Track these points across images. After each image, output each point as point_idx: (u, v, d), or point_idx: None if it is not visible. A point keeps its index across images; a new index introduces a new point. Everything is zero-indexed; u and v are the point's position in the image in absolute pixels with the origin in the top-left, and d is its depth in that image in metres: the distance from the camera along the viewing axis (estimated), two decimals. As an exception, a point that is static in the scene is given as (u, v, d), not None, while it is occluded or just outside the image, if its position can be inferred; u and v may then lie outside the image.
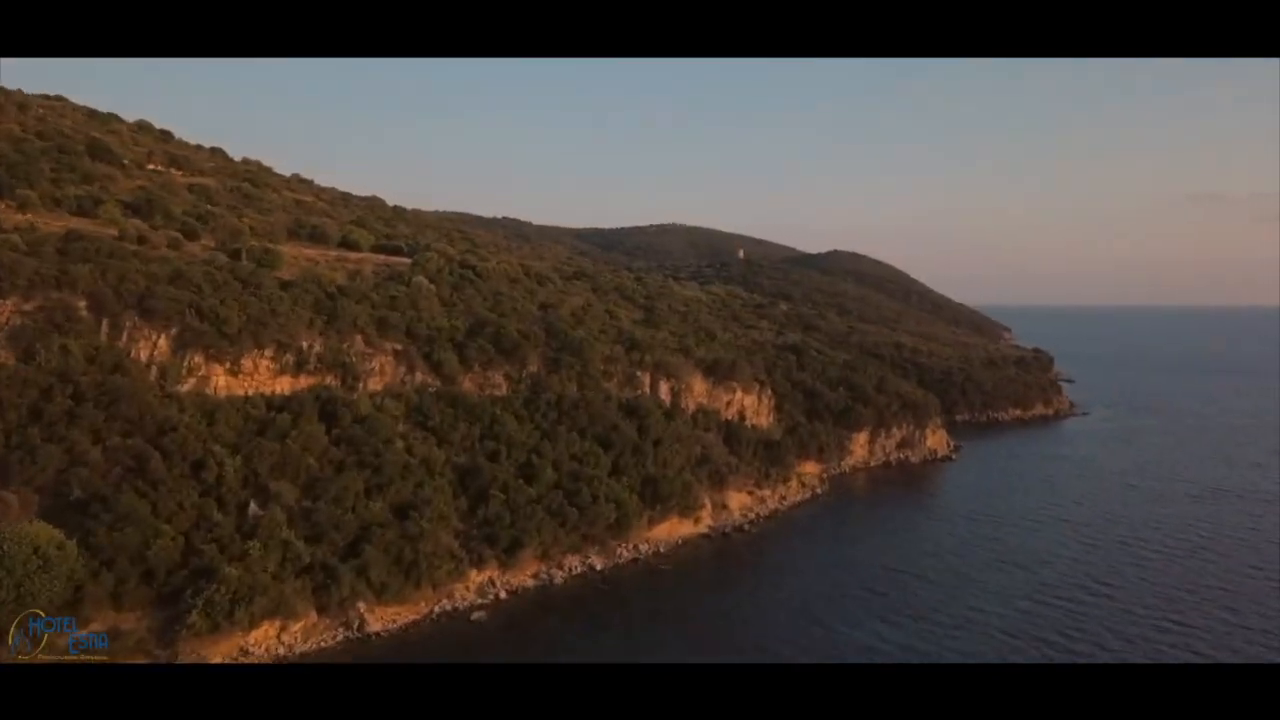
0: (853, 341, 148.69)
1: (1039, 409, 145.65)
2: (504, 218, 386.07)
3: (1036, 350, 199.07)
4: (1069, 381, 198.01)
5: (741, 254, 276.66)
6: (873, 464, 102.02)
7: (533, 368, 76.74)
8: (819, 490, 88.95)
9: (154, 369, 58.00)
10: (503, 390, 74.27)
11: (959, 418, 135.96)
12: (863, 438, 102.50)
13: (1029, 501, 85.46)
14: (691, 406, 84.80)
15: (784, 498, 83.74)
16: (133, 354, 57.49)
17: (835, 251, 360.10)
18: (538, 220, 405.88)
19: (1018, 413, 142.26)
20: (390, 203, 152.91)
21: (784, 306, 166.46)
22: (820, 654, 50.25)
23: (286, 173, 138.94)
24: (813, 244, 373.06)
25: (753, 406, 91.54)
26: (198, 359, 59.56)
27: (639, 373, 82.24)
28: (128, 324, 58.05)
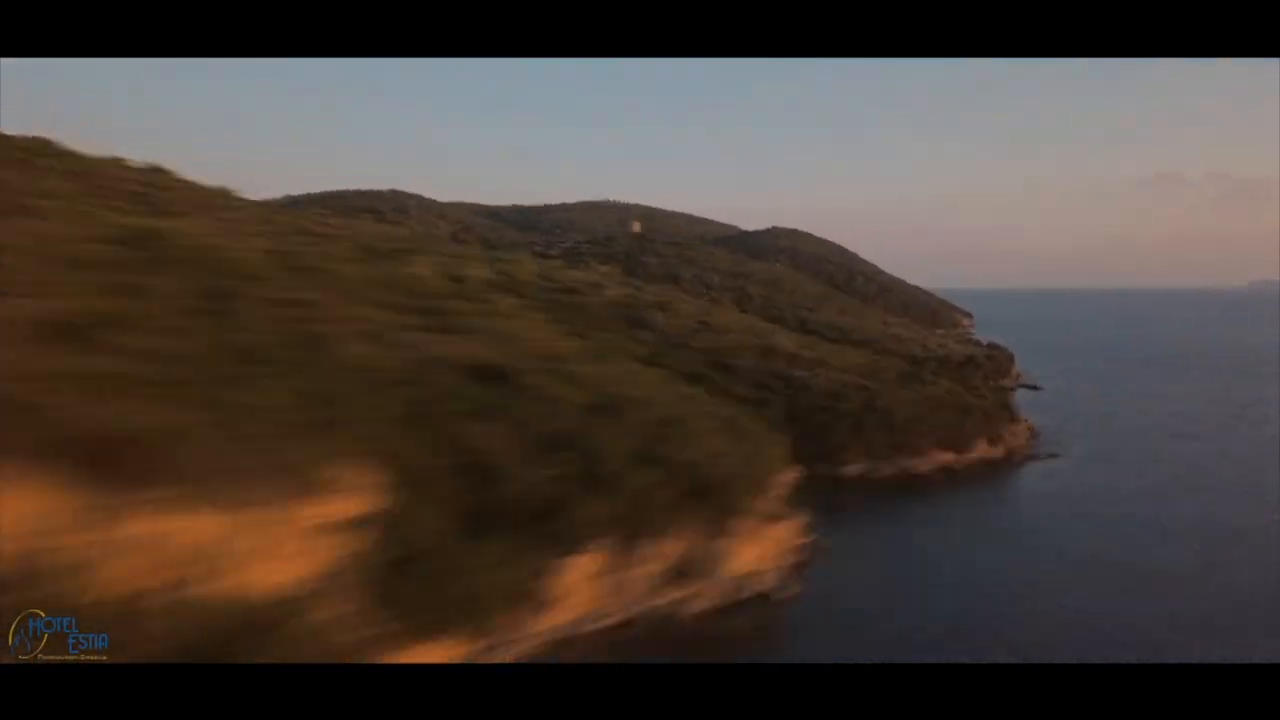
0: (697, 345, 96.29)
1: (981, 449, 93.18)
2: (391, 190, 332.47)
3: (992, 346, 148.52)
4: (1034, 388, 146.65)
5: (636, 227, 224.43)
6: (605, 623, 49.25)
7: None
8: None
9: None
10: None
11: (848, 469, 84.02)
12: (585, 566, 49.67)
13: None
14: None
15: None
16: None
17: (772, 228, 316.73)
18: (442, 197, 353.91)
19: (948, 457, 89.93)
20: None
21: (616, 291, 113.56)
22: None
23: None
24: (765, 225, 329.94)
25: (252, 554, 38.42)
26: None
27: None
28: None
